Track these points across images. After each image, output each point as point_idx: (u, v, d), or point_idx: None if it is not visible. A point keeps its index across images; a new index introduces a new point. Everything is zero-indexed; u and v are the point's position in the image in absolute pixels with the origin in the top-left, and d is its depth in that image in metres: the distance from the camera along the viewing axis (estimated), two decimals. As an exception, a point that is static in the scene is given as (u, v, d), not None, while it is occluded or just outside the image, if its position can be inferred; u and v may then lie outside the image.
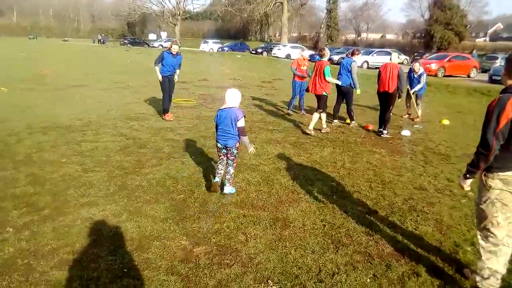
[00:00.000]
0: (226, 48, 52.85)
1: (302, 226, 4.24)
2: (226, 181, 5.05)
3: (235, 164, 5.13)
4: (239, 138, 4.93)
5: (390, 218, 4.53)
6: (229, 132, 4.87)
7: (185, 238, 3.92)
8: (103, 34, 74.05)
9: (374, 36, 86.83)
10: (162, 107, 9.47)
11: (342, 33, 73.20)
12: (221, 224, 4.23)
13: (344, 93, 9.39)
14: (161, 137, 7.68)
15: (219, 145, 5.02)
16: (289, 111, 10.82)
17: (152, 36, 75.31)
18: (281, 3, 60.75)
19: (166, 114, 9.37)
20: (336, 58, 35.97)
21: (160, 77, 9.10)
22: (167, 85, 9.26)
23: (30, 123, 8.25)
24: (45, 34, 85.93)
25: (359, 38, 78.88)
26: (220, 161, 5.16)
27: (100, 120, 8.91)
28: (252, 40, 71.79)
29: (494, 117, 2.91)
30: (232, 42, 59.38)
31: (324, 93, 8.34)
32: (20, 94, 11.96)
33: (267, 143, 7.55)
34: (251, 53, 48.23)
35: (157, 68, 9.16)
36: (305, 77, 10.56)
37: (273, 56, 41.59)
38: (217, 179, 5.12)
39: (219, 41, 58.84)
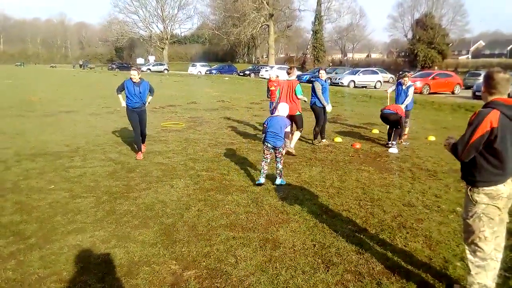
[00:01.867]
0: (214, 71, 53.39)
1: (292, 247, 4.23)
2: (277, 175, 6.35)
3: (282, 161, 6.33)
4: (284, 140, 6.16)
5: (379, 236, 4.54)
6: (278, 135, 6.08)
7: (174, 262, 3.88)
8: (83, 60, 74.57)
9: (360, 56, 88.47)
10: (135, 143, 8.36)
11: (329, 53, 74.44)
12: (211, 247, 4.20)
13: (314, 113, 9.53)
14: (150, 161, 7.66)
15: (269, 145, 6.18)
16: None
17: (140, 60, 75.82)
18: (268, 25, 61.89)
19: (138, 153, 8.04)
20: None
21: (123, 103, 8.02)
22: (136, 119, 7.97)
23: (18, 150, 8.19)
24: (33, 61, 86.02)
25: (345, 58, 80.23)
26: (264, 160, 6.33)
27: (89, 145, 8.88)
28: (240, 62, 72.67)
29: (471, 129, 2.99)
30: (219, 64, 60.06)
31: (298, 113, 8.49)
32: (8, 121, 11.88)
33: (256, 164, 7.57)
34: (239, 75, 48.77)
35: (120, 96, 8.11)
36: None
37: (261, 78, 42.02)
38: (262, 179, 6.32)
39: (207, 64, 59.49)
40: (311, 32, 66.39)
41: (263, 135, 6.31)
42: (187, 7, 77.16)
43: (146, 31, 78.14)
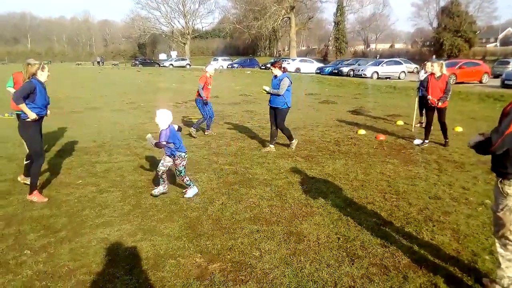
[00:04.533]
0: (235, 65, 53.45)
1: (316, 240, 4.22)
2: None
3: (182, 178, 5.54)
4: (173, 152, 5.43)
5: (405, 229, 4.48)
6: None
7: (199, 255, 3.93)
8: (100, 56, 76.37)
9: (383, 46, 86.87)
10: (33, 178, 5.44)
11: (351, 44, 73.43)
12: (235, 240, 4.23)
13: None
14: (174, 156, 7.74)
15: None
16: (193, 129, 9.53)
17: (162, 56, 76.64)
18: (289, 18, 61.42)
19: (34, 192, 5.41)
20: (345, 70, 36.11)
21: (33, 115, 5.23)
22: (41, 133, 5.60)
23: (46, 146, 8.41)
24: (59, 59, 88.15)
25: (368, 49, 78.94)
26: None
27: (114, 141, 9.05)
28: (261, 56, 72.41)
29: (508, 119, 2.87)
30: (241, 58, 60.05)
31: None
32: (35, 119, 12.20)
33: (278, 158, 7.56)
34: (260, 68, 48.63)
35: (23, 106, 5.16)
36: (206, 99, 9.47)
37: (283, 71, 41.73)
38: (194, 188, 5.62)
39: (228, 58, 59.61)
40: (333, 24, 65.61)
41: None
42: (208, 2, 77.49)
43: (168, 27, 78.84)
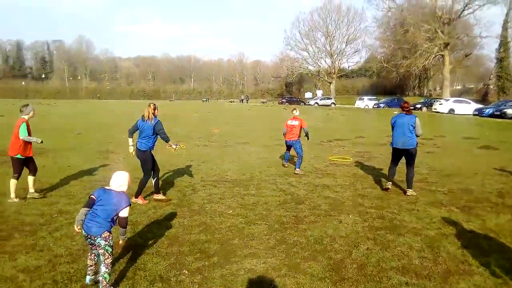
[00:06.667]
0: (382, 105, 52.05)
1: (476, 304, 3.75)
2: (100, 284, 3.92)
3: (108, 262, 3.92)
4: (112, 227, 4.02)
5: None
6: (96, 217, 3.90)
7: (343, 300, 3.83)
8: (247, 95, 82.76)
9: (560, 86, 74.92)
10: (141, 187, 7.11)
11: (517, 83, 65.09)
12: (382, 290, 4.02)
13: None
14: (318, 194, 7.81)
15: (83, 231, 3.93)
16: (298, 169, 9.94)
17: (308, 95, 79.04)
18: (442, 55, 57.73)
19: (138, 197, 7.08)
20: (510, 112, 32.22)
21: (132, 150, 7.32)
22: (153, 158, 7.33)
23: (203, 176, 9.31)
24: (215, 97, 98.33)
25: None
26: (89, 254, 4.16)
27: (262, 175, 9.54)
28: (410, 96, 69.10)
29: None
30: (388, 98, 58.24)
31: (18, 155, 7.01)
32: (196, 150, 13.65)
33: (430, 205, 7.02)
34: (408, 108, 46.40)
35: (131, 140, 7.32)
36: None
37: (434, 111, 39.27)
38: (88, 279, 4.11)
39: (374, 97, 58.51)
40: (495, 60, 59.41)
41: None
42: (355, 42, 77.14)
43: (314, 66, 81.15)
